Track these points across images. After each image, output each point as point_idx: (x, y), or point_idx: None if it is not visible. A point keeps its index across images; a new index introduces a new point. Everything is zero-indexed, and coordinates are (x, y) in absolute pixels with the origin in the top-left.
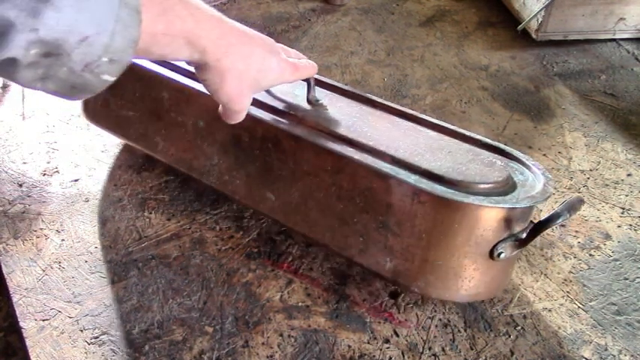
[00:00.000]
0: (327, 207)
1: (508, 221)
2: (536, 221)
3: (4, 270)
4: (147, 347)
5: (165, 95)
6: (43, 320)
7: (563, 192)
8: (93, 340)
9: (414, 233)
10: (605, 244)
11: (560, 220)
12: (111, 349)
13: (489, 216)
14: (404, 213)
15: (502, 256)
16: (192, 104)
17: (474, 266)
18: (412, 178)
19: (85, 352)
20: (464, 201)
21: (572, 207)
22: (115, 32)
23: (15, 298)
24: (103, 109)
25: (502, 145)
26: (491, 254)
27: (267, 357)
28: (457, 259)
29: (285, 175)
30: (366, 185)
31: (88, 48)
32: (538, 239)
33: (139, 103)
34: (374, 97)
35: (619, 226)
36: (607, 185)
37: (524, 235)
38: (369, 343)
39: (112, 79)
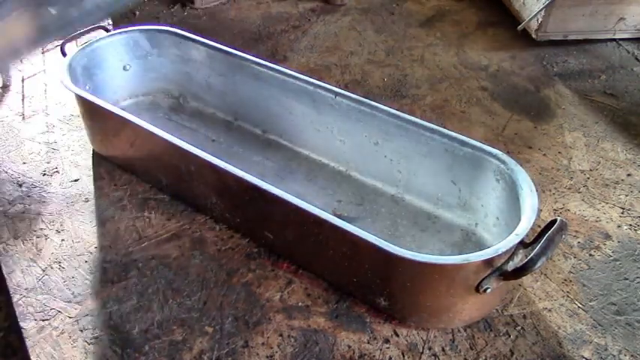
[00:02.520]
0: (319, 250)
1: (488, 262)
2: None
3: (4, 270)
4: (147, 347)
5: (157, 147)
6: (43, 320)
7: (563, 192)
8: (93, 340)
9: (398, 282)
10: (605, 244)
11: (538, 265)
12: (111, 348)
13: (466, 268)
14: (385, 267)
15: (488, 290)
16: (179, 153)
17: (463, 301)
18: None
19: (85, 352)
20: (438, 262)
21: (553, 242)
22: None
23: (15, 298)
24: (109, 148)
25: None
26: (477, 290)
27: (267, 357)
28: (445, 300)
29: (277, 219)
30: (345, 239)
31: None
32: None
33: (137, 149)
34: None
35: (619, 226)
36: (607, 185)
37: (509, 264)
38: (369, 343)
39: None
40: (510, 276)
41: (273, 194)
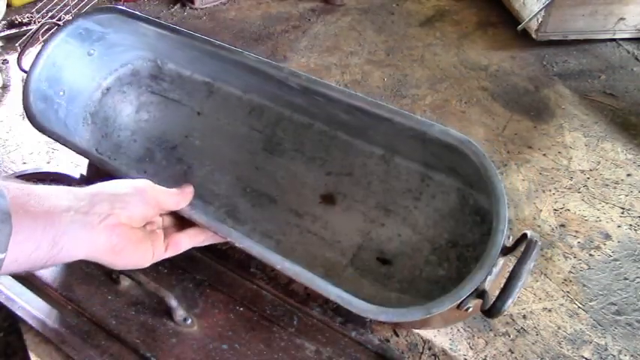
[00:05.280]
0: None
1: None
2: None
3: None
4: None
5: None
6: None
7: (563, 192)
8: None
9: None
10: (605, 244)
11: (505, 308)
12: None
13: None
14: None
15: (470, 309)
16: None
17: (450, 316)
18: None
19: None
20: (401, 321)
21: (518, 277)
22: None
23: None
24: None
25: None
26: (459, 308)
27: None
28: (431, 319)
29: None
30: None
31: None
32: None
33: None
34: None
35: (619, 226)
36: (607, 185)
37: (488, 279)
38: None
39: (2, 255)
40: (487, 310)
41: (243, 248)
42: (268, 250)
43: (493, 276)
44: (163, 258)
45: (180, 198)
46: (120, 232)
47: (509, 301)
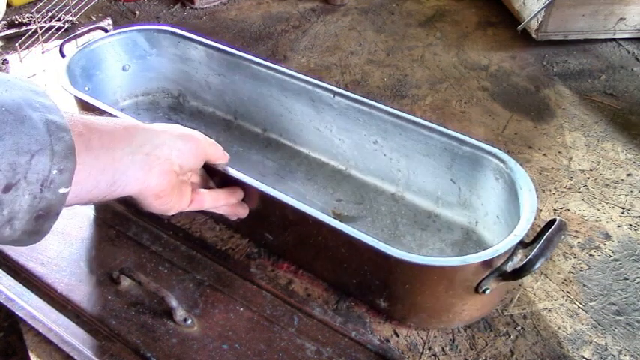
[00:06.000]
0: (318, 251)
1: (486, 263)
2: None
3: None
4: None
5: None
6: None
7: (563, 192)
8: None
9: (397, 284)
10: (605, 244)
11: (537, 265)
12: None
13: (464, 269)
14: (384, 269)
15: (487, 291)
16: None
17: (462, 302)
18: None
19: None
20: (436, 265)
21: (552, 243)
22: (53, 143)
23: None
24: None
25: None
26: (477, 290)
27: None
28: (444, 301)
29: (276, 220)
30: (344, 240)
31: (38, 164)
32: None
33: None
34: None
35: (619, 226)
36: (607, 185)
37: (509, 264)
38: None
39: (67, 189)
40: (509, 277)
41: (273, 197)
42: (301, 204)
43: (511, 264)
44: (185, 210)
45: (223, 153)
46: (169, 179)
47: (542, 259)
